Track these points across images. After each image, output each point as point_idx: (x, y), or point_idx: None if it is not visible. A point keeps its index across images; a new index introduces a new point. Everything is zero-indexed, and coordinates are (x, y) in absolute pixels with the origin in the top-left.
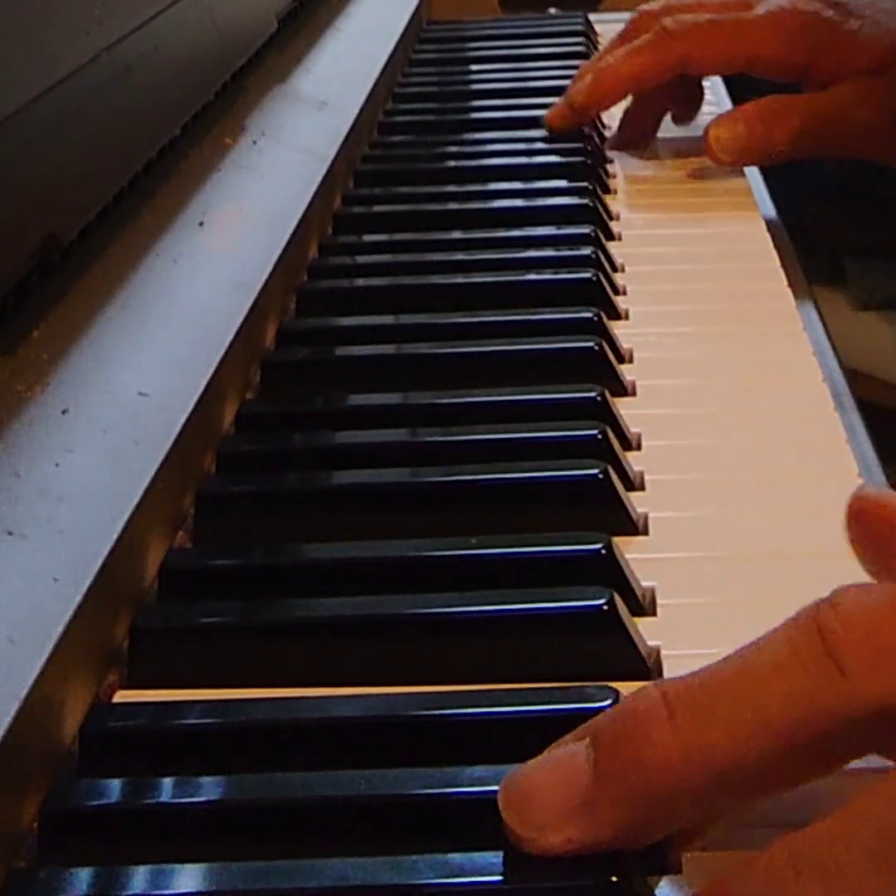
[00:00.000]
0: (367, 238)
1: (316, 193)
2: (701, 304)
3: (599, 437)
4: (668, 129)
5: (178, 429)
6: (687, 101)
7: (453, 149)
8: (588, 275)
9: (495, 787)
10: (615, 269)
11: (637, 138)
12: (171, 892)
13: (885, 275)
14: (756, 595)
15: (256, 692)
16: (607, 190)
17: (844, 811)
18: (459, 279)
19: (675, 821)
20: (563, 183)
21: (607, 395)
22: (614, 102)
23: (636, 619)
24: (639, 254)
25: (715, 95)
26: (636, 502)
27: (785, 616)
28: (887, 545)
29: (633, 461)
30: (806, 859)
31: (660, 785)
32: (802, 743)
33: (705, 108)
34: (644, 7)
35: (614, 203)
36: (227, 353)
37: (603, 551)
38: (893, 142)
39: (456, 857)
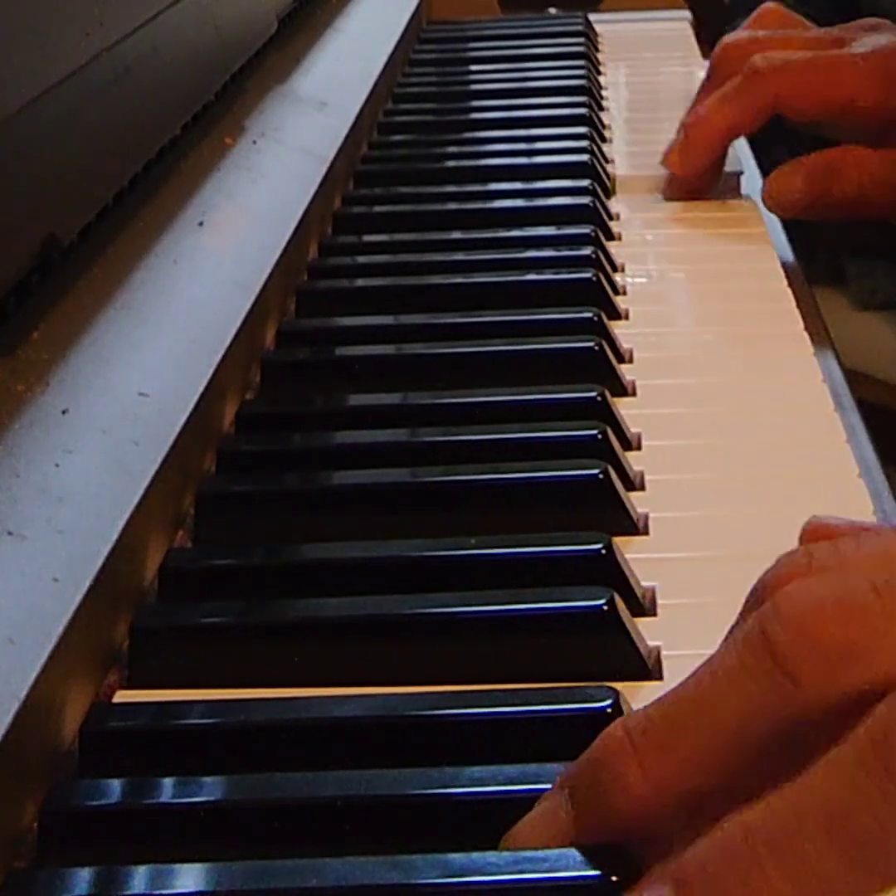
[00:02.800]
0: (367, 238)
1: (316, 193)
2: (701, 304)
3: (599, 437)
4: (668, 130)
5: (178, 429)
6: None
7: (453, 149)
8: (588, 275)
9: (495, 788)
10: (615, 269)
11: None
12: (171, 892)
13: (885, 275)
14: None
15: (256, 692)
16: (607, 190)
17: (797, 784)
18: (459, 279)
19: (660, 853)
20: (563, 183)
21: (607, 395)
22: (713, 160)
23: (636, 619)
24: (639, 254)
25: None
26: (636, 502)
27: None
28: None
29: (633, 461)
30: (760, 835)
31: (637, 825)
32: (763, 754)
33: None
34: (729, 38)
35: (614, 203)
36: (227, 353)
37: (603, 551)
38: None
39: (456, 857)
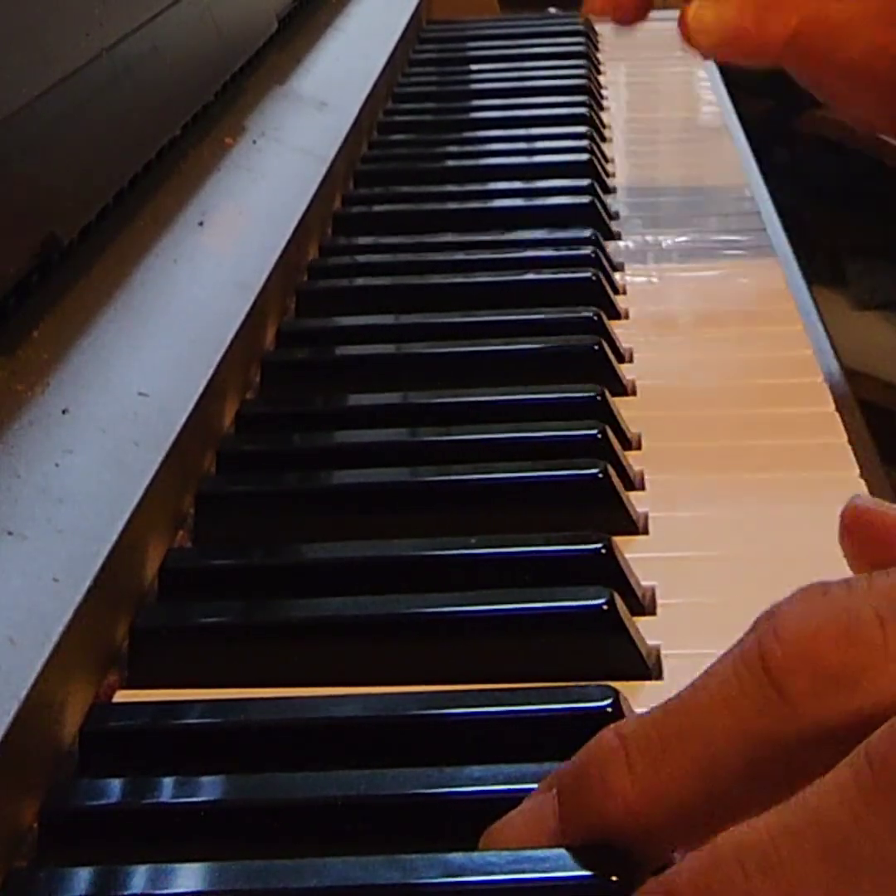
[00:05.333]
0: (367, 238)
1: (316, 193)
2: (701, 304)
3: (599, 437)
4: (668, 130)
5: (178, 429)
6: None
7: (453, 148)
8: (588, 274)
9: (495, 787)
10: (615, 269)
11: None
12: (171, 891)
13: (885, 275)
14: (756, 595)
15: (256, 692)
16: (607, 190)
17: (792, 804)
18: (459, 279)
19: (649, 860)
20: (563, 183)
21: (607, 395)
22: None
23: (636, 619)
24: (639, 253)
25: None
26: (636, 502)
27: None
28: (885, 554)
29: (634, 461)
30: (753, 854)
31: (626, 833)
32: (755, 772)
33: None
34: None
35: (614, 203)
36: (227, 353)
37: (603, 551)
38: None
39: (456, 857)
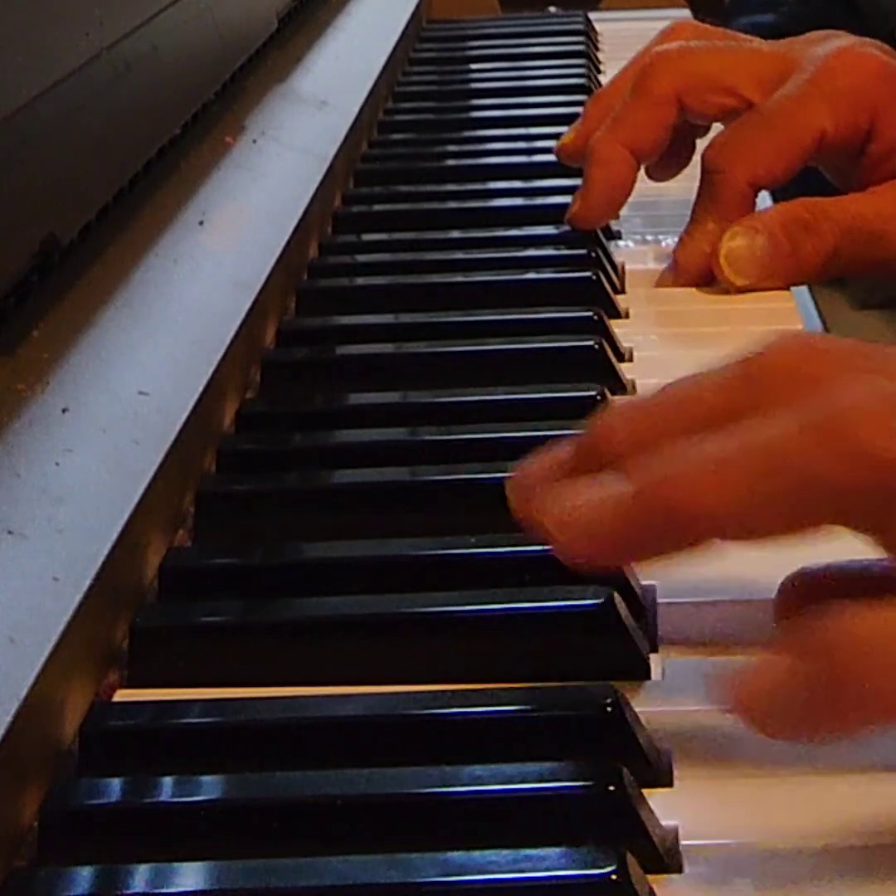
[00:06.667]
0: (367, 237)
1: (316, 193)
2: (701, 304)
3: None
4: None
5: (177, 429)
6: (675, 161)
7: (453, 147)
8: (588, 274)
9: (495, 787)
10: (615, 269)
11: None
12: (171, 891)
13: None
14: (756, 595)
15: (256, 692)
16: None
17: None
18: (459, 278)
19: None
20: (562, 182)
21: (607, 394)
22: (707, 268)
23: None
24: (639, 252)
25: None
26: None
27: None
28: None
29: None
30: (702, 449)
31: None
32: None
33: None
34: (659, 48)
35: None
36: (227, 352)
37: None
38: None
39: (456, 856)
